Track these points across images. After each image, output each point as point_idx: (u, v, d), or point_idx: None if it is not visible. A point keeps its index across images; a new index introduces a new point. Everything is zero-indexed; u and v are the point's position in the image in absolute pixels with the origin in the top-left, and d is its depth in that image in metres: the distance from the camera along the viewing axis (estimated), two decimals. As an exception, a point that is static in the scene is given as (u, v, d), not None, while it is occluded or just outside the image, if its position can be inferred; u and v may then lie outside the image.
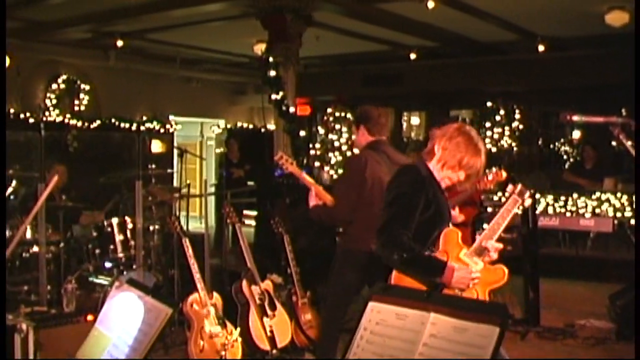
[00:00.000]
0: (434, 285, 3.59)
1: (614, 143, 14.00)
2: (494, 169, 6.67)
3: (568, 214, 10.61)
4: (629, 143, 3.21)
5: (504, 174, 6.42)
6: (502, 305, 2.36)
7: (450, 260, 3.71)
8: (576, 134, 17.73)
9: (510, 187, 4.04)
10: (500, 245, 3.90)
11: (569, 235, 11.22)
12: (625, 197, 10.49)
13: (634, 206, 10.34)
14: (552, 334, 7.40)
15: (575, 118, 3.22)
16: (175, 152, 14.56)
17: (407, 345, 2.39)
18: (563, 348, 7.07)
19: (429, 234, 3.81)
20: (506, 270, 3.86)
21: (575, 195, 10.78)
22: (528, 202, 4.06)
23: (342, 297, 5.53)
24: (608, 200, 10.62)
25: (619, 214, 10.29)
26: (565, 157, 17.59)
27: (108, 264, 7.57)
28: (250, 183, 12.73)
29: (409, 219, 3.74)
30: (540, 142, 17.49)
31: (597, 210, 10.66)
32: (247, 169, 13.28)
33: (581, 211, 10.73)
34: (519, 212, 10.51)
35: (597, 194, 10.72)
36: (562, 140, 18.10)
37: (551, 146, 17.83)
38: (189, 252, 6.17)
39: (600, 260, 10.30)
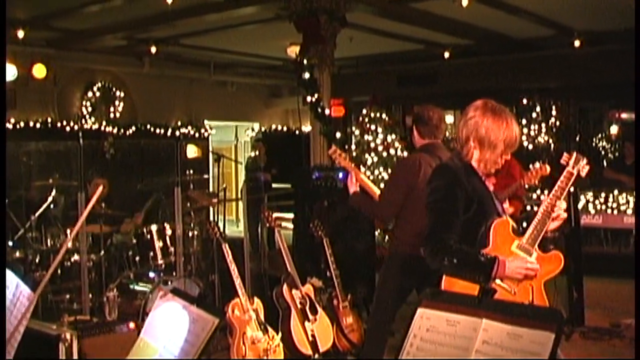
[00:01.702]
0: (485, 291, 3.51)
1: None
2: (537, 164, 6.57)
3: (609, 211, 10.45)
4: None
5: (548, 169, 6.33)
6: (557, 310, 2.30)
7: (502, 253, 3.62)
8: (614, 130, 17.53)
9: (564, 156, 3.90)
10: (564, 204, 3.80)
11: (611, 233, 11.06)
12: (668, 193, 10.30)
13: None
14: (598, 334, 7.30)
15: (624, 115, 3.14)
16: (211, 156, 14.66)
17: (459, 352, 2.34)
18: (610, 349, 6.97)
19: (476, 230, 3.71)
20: (562, 256, 3.75)
21: (616, 192, 10.62)
22: (585, 170, 3.88)
23: (391, 301, 5.47)
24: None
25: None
26: (603, 153, 17.40)
27: (150, 273, 7.58)
28: (278, 186, 12.73)
29: (452, 221, 3.66)
30: (578, 139, 17.30)
31: (640, 208, 10.50)
32: (273, 173, 13.29)
33: (623, 208, 10.57)
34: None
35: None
36: (599, 135, 17.90)
37: (589, 142, 17.64)
38: (229, 257, 6.16)
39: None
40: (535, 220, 3.75)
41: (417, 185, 5.25)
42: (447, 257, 3.60)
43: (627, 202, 10.56)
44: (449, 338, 2.39)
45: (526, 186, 6.62)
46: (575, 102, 15.77)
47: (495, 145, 3.70)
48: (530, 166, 6.56)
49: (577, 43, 13.40)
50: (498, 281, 3.61)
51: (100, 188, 4.46)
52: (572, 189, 8.83)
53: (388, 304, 5.49)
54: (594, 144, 17.66)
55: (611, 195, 10.54)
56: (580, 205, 10.46)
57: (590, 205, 10.76)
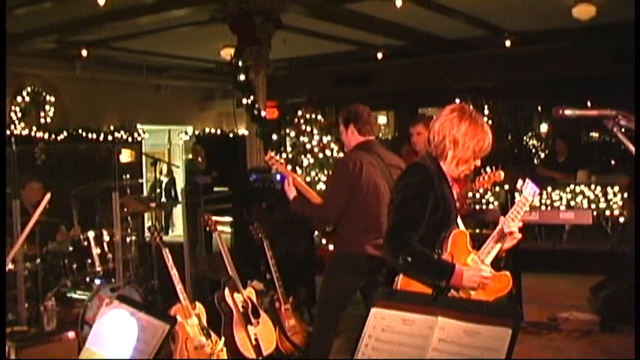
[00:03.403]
0: (440, 289, 3.51)
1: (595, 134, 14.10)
2: (488, 169, 6.62)
3: (544, 208, 10.62)
4: (621, 136, 3.17)
5: (502, 175, 6.40)
6: (514, 306, 2.30)
7: (457, 264, 3.64)
8: (544, 128, 17.87)
9: (519, 183, 3.99)
10: (518, 225, 3.82)
11: (545, 229, 11.25)
12: (599, 188, 10.53)
13: (608, 197, 10.39)
14: (537, 329, 7.41)
15: (568, 112, 3.16)
16: (145, 160, 14.48)
17: (416, 352, 2.32)
18: (549, 342, 7.09)
19: (437, 235, 3.70)
20: (510, 277, 3.80)
21: (549, 189, 10.80)
22: (536, 197, 3.98)
23: (336, 301, 5.47)
24: (582, 192, 10.66)
25: (593, 206, 10.33)
26: (534, 150, 17.71)
27: (89, 281, 7.42)
28: (216, 189, 12.63)
29: (418, 222, 3.63)
30: (510, 137, 17.58)
31: (572, 203, 10.70)
32: (214, 176, 13.21)
33: (556, 204, 10.77)
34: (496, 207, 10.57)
35: (572, 186, 10.75)
36: (530, 134, 18.23)
37: (520, 140, 17.95)
38: (170, 262, 6.07)
39: (577, 253, 10.32)
40: (490, 238, 3.80)
41: (360, 184, 5.26)
42: (407, 256, 3.57)
43: (561, 198, 10.75)
44: (405, 337, 2.37)
45: (480, 190, 6.71)
46: (507, 101, 16.04)
47: (468, 148, 3.73)
48: (482, 171, 6.63)
49: (508, 43, 13.62)
50: (453, 291, 3.62)
51: (48, 196, 4.36)
52: (507, 186, 9.00)
53: (333, 305, 5.48)
54: (524, 142, 17.99)
55: (545, 192, 10.71)
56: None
57: (526, 203, 10.91)
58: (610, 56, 13.06)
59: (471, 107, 3.87)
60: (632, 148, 3.22)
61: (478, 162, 3.85)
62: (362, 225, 5.27)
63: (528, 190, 3.90)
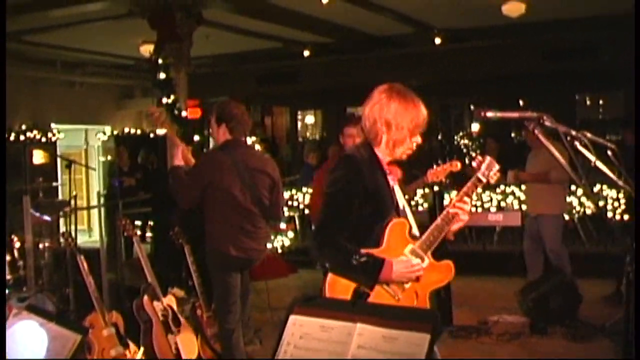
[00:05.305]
0: (359, 294, 3.53)
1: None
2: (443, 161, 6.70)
3: (474, 209, 10.82)
4: (543, 138, 3.28)
5: (459, 165, 6.45)
6: (432, 311, 2.37)
7: (394, 255, 3.60)
8: (475, 127, 18.18)
9: (476, 161, 3.85)
10: (467, 204, 3.76)
11: (475, 230, 11.46)
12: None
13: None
14: (466, 333, 7.55)
15: (490, 114, 3.26)
16: (60, 162, 14.25)
17: (334, 358, 2.38)
18: (479, 346, 7.23)
19: (370, 228, 3.66)
20: (452, 265, 3.74)
21: (479, 190, 10.98)
22: (495, 177, 3.83)
23: (226, 298, 5.78)
24: (513, 193, 10.88)
25: (524, 207, 10.55)
26: (465, 150, 17.99)
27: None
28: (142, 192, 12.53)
29: (344, 217, 3.62)
30: (440, 136, 17.84)
31: (503, 204, 10.92)
32: (138, 178, 13.10)
33: (486, 205, 10.97)
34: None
35: (502, 187, 10.95)
36: (461, 133, 18.52)
37: (451, 140, 18.22)
38: (85, 269, 6.02)
39: (508, 254, 10.52)
40: (433, 226, 3.72)
41: (219, 182, 5.56)
42: (331, 253, 3.61)
43: (491, 199, 10.96)
44: (323, 344, 2.42)
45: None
46: (437, 99, 16.26)
47: (402, 127, 3.70)
48: (434, 164, 6.75)
49: (437, 40, 13.83)
50: (384, 285, 3.57)
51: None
52: (436, 188, 9.14)
53: (225, 300, 5.80)
54: (455, 142, 18.26)
55: (475, 194, 10.89)
56: (444, 204, 10.77)
57: (455, 204, 11.08)
58: (542, 54, 13.39)
59: (399, 85, 3.80)
60: (552, 149, 3.33)
61: (418, 139, 3.79)
62: (223, 223, 5.64)
63: (484, 169, 3.78)
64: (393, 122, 3.70)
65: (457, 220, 3.76)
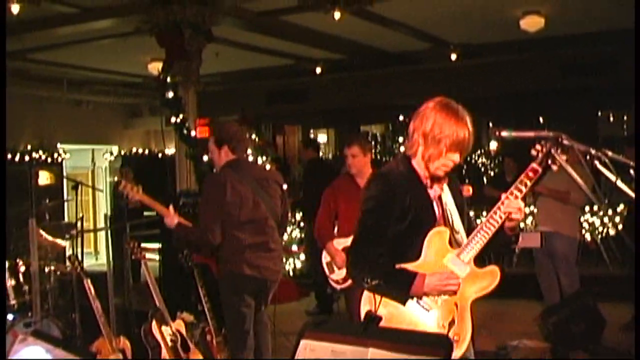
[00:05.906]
0: (371, 318, 3.52)
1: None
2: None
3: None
4: (563, 158, 3.25)
5: (470, 190, 6.45)
6: (445, 336, 2.39)
7: (433, 266, 3.59)
8: (493, 145, 18.11)
9: (537, 147, 3.61)
10: (521, 203, 3.67)
11: (493, 252, 11.39)
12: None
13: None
14: (485, 358, 7.50)
15: (505, 134, 3.27)
16: (66, 183, 14.30)
17: (346, 384, 2.40)
18: (497, 372, 7.20)
19: (410, 241, 3.66)
20: (497, 271, 3.69)
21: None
22: (563, 160, 3.56)
23: (239, 325, 5.79)
24: (532, 213, 10.82)
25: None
26: (483, 169, 17.92)
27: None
28: (147, 214, 12.56)
29: (379, 235, 3.65)
30: (457, 155, 17.76)
31: (522, 225, 10.86)
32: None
33: (505, 227, 10.89)
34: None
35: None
36: (479, 152, 18.45)
37: (468, 158, 18.15)
38: (92, 293, 6.06)
39: (526, 277, 10.46)
40: (476, 231, 3.65)
41: (228, 203, 5.60)
42: (365, 270, 3.64)
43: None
44: (335, 369, 2.45)
45: None
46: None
47: (439, 141, 3.63)
48: None
49: (453, 56, 13.82)
50: (420, 300, 3.60)
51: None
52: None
53: (237, 328, 5.80)
54: (473, 161, 18.19)
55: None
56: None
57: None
58: (561, 69, 13.38)
59: (450, 100, 3.76)
60: (571, 171, 3.31)
61: (457, 158, 3.70)
62: (236, 244, 5.66)
63: (542, 157, 3.61)
64: (430, 134, 3.65)
65: (510, 221, 3.70)
